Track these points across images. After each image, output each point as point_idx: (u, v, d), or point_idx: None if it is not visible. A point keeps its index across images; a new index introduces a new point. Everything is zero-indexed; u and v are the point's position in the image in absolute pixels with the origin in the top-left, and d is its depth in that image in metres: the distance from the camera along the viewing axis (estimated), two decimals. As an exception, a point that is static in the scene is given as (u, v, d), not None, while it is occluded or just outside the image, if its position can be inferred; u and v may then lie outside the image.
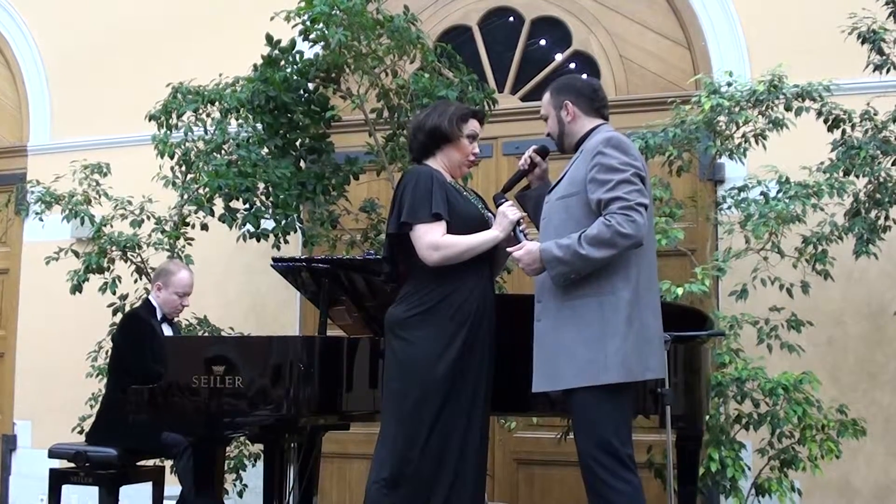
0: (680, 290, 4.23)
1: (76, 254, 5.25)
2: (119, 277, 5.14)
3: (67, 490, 4.44)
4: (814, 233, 4.50)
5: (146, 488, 4.55)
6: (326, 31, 4.71)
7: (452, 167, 3.30)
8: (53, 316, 6.42)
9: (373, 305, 3.78)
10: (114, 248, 5.10)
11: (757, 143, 4.60)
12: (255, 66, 5.01)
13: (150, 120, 5.15)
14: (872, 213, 4.47)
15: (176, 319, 4.85)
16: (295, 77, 4.97)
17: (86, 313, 5.53)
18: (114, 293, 5.14)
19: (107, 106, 6.58)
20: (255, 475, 4.80)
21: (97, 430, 4.46)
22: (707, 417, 4.02)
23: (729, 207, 4.69)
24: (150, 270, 5.16)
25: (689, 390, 3.57)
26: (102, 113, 6.59)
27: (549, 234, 3.06)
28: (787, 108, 4.50)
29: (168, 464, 4.58)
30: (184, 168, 5.19)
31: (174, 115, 5.11)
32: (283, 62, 4.99)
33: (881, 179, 4.40)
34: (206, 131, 5.17)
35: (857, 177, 4.41)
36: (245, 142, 4.98)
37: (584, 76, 5.36)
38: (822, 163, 4.51)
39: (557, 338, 2.98)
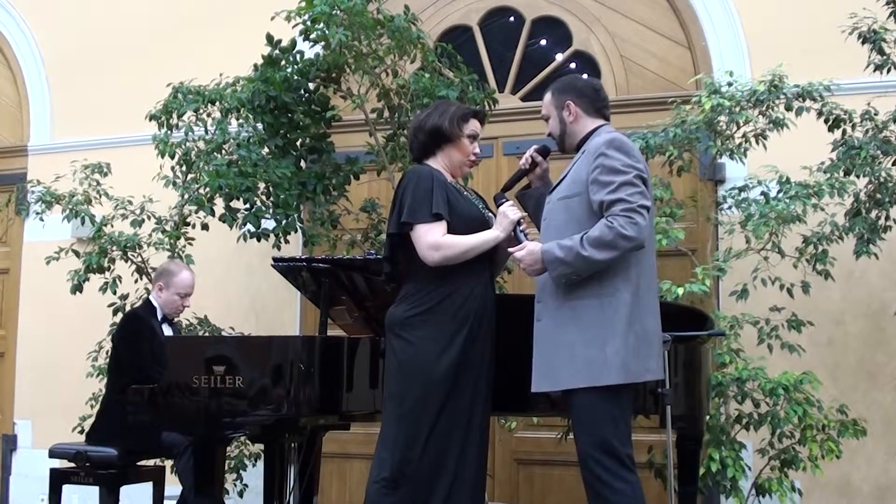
0: (680, 290, 4.23)
1: (77, 254, 5.25)
2: (119, 277, 5.14)
3: (68, 490, 4.44)
4: (814, 233, 4.50)
5: (146, 488, 4.55)
6: (327, 31, 4.72)
7: (453, 167, 3.30)
8: (54, 316, 6.42)
9: (373, 305, 3.78)
10: (114, 247, 5.10)
11: (757, 143, 4.60)
12: (255, 65, 5.01)
13: (150, 120, 5.15)
14: (873, 213, 4.47)
15: (176, 320, 4.85)
16: (295, 77, 4.97)
17: (86, 313, 5.53)
18: (114, 293, 5.14)
19: (107, 106, 6.58)
20: (255, 475, 4.79)
21: (97, 430, 4.46)
22: (707, 417, 4.03)
23: (729, 207, 4.69)
24: (150, 270, 5.17)
25: (689, 390, 3.58)
26: (103, 113, 6.59)
27: (549, 235, 3.06)
28: (788, 108, 4.50)
29: (168, 464, 4.58)
30: (184, 168, 5.18)
31: (175, 115, 5.11)
32: (283, 62, 4.99)
33: (881, 179, 4.40)
34: (206, 131, 5.17)
35: (858, 177, 4.41)
36: (245, 142, 4.98)
37: (585, 76, 5.37)
38: (822, 163, 4.51)
39: (557, 338, 2.98)
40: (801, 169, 4.52)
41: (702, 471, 4.02)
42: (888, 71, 4.42)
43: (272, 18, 4.81)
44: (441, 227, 3.12)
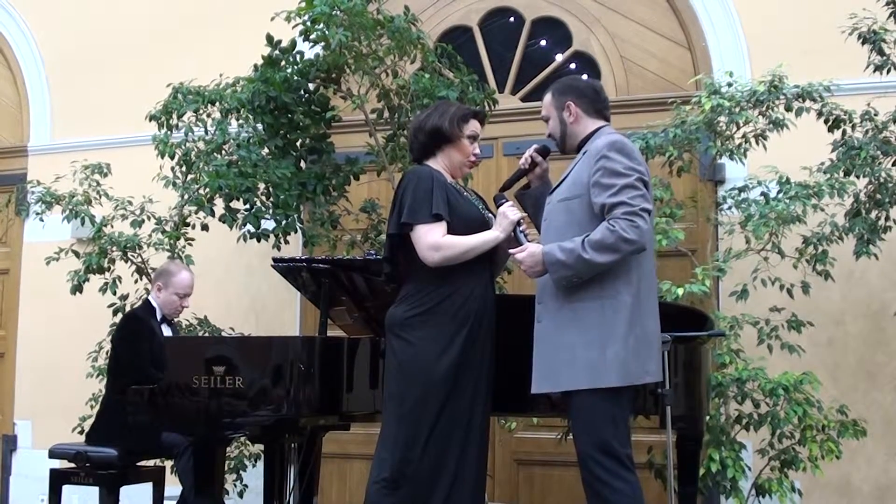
0: (680, 291, 4.23)
1: (76, 254, 5.25)
2: (119, 278, 5.15)
3: (68, 490, 4.44)
4: (814, 233, 4.50)
5: (146, 488, 4.55)
6: (327, 32, 4.72)
7: (453, 168, 3.30)
8: (54, 316, 6.42)
9: (373, 306, 3.78)
10: (114, 248, 5.11)
11: (757, 143, 4.60)
12: (255, 66, 5.01)
13: (150, 120, 5.15)
14: (873, 214, 4.47)
15: (176, 320, 4.85)
16: (295, 77, 4.97)
17: (86, 313, 5.53)
18: (114, 293, 5.14)
19: (107, 106, 6.58)
20: (255, 475, 4.80)
21: (96, 430, 4.46)
22: (707, 418, 4.03)
23: (729, 208, 4.69)
24: (150, 271, 5.17)
25: (689, 391, 3.57)
26: (103, 113, 6.59)
27: (550, 236, 3.07)
28: (788, 109, 4.50)
29: (168, 464, 4.58)
30: (184, 168, 5.18)
31: (174, 116, 5.11)
32: (283, 62, 4.99)
33: (881, 180, 4.40)
34: (206, 131, 5.17)
35: (858, 177, 4.41)
36: (245, 142, 4.98)
37: (585, 77, 5.38)
38: (822, 163, 4.51)
39: (558, 339, 2.99)
40: (801, 169, 4.52)
41: (702, 471, 4.02)
42: (888, 71, 4.42)
43: (272, 19, 4.81)
44: (441, 227, 3.12)
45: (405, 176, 3.25)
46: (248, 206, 4.89)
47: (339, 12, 4.66)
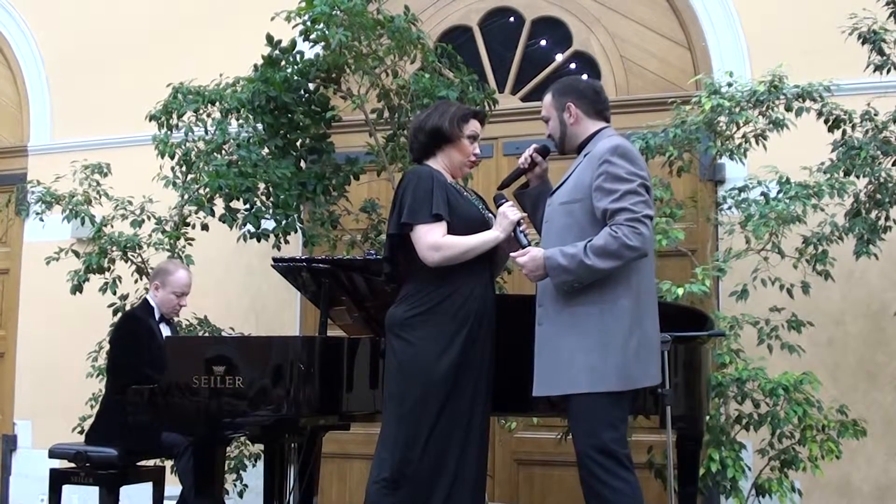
0: (680, 291, 4.24)
1: (76, 254, 5.25)
2: (119, 278, 5.15)
3: (68, 490, 4.43)
4: (814, 233, 4.50)
5: (146, 488, 4.55)
6: (327, 32, 4.72)
7: (453, 168, 3.30)
8: (54, 316, 6.42)
9: (373, 306, 3.78)
10: (114, 248, 5.10)
11: (757, 143, 4.60)
12: (255, 66, 5.01)
13: (150, 120, 5.15)
14: (873, 214, 4.47)
15: (177, 320, 4.85)
16: (295, 77, 4.97)
17: (86, 313, 5.53)
18: (114, 293, 5.14)
19: (107, 106, 6.58)
20: (255, 475, 4.80)
21: (96, 430, 4.46)
22: (707, 418, 4.03)
23: (729, 208, 4.69)
24: (150, 271, 5.16)
25: (689, 391, 3.57)
26: (102, 113, 6.59)
27: (550, 238, 3.07)
28: (788, 109, 4.50)
29: (168, 464, 4.58)
30: (184, 168, 5.18)
31: (174, 116, 5.11)
32: (283, 62, 4.99)
33: (881, 180, 4.40)
34: (206, 131, 5.17)
35: (858, 177, 4.41)
36: (245, 142, 4.98)
37: (585, 77, 5.38)
38: (822, 163, 4.51)
39: (558, 343, 2.99)
40: (800, 169, 4.52)
41: (702, 471, 4.02)
42: (888, 71, 4.42)
43: (272, 19, 4.81)
44: (441, 227, 3.12)
45: (405, 176, 3.25)
46: (248, 206, 4.89)
47: (339, 12, 4.66)
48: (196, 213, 5.13)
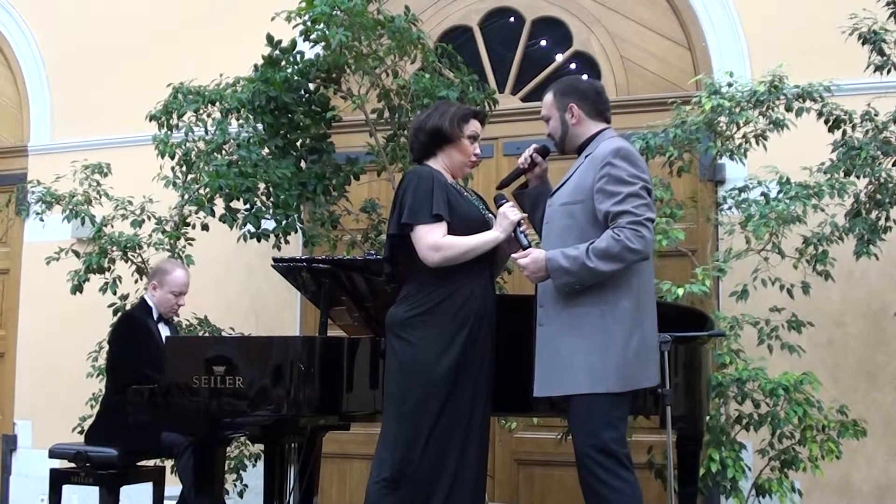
0: (680, 291, 4.24)
1: (77, 254, 5.25)
2: (119, 278, 5.14)
3: (68, 490, 4.43)
4: (814, 233, 4.50)
5: (147, 488, 4.55)
6: (327, 32, 4.72)
7: (454, 168, 3.30)
8: (54, 316, 6.42)
9: (373, 306, 3.78)
10: (114, 248, 5.10)
11: (757, 143, 4.60)
12: (255, 66, 5.01)
13: (150, 120, 5.15)
14: (873, 214, 4.47)
15: (177, 320, 4.84)
16: (296, 77, 4.97)
17: (86, 313, 5.52)
18: (114, 293, 5.14)
19: (107, 106, 6.58)
20: (255, 475, 4.79)
21: (95, 430, 4.45)
22: (707, 418, 4.03)
23: (729, 208, 4.69)
24: (150, 271, 5.16)
25: (689, 391, 3.58)
26: (103, 113, 6.59)
27: (551, 239, 3.08)
28: (788, 109, 4.50)
29: (168, 464, 4.58)
30: (184, 168, 5.18)
31: (175, 116, 5.11)
32: (283, 62, 4.99)
33: (882, 180, 4.40)
34: (206, 131, 5.17)
35: (858, 177, 4.41)
36: (246, 142, 4.98)
37: (585, 76, 5.38)
38: (822, 163, 4.51)
39: (559, 344, 3.00)
40: (801, 169, 4.52)
41: (702, 471, 4.02)
42: (888, 72, 4.42)
43: (272, 19, 4.81)
44: (441, 228, 3.12)
45: (406, 176, 3.25)
46: (248, 206, 4.89)
47: (339, 12, 4.66)
48: (196, 213, 5.13)
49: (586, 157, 3.09)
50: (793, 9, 5.26)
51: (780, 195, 4.45)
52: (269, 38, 4.97)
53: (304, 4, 4.75)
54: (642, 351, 2.99)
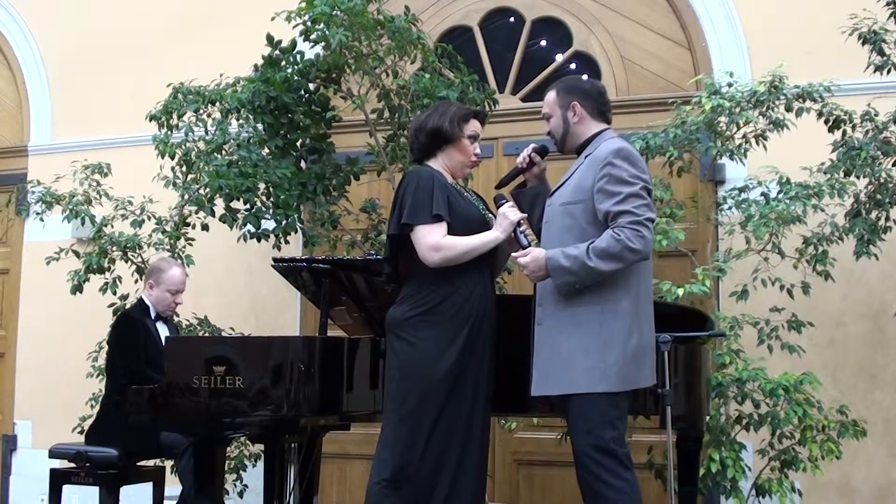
0: (680, 291, 4.23)
1: (77, 254, 5.25)
2: (119, 278, 5.14)
3: (68, 490, 4.43)
4: (814, 233, 4.50)
5: (147, 488, 4.55)
6: (327, 32, 4.72)
7: (454, 168, 3.30)
8: (54, 316, 6.42)
9: (373, 306, 3.78)
10: (114, 248, 5.10)
11: (757, 143, 4.60)
12: (255, 66, 5.01)
13: (150, 120, 5.15)
14: (873, 214, 4.47)
15: (177, 320, 4.84)
16: (296, 77, 4.97)
17: (86, 313, 5.53)
18: (114, 293, 5.14)
19: (107, 106, 6.58)
20: (255, 475, 4.79)
21: (96, 430, 4.45)
22: (707, 418, 4.03)
23: (729, 208, 4.69)
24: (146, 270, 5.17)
25: (689, 391, 3.58)
26: (102, 113, 6.59)
27: (550, 238, 3.08)
28: (788, 109, 4.50)
29: (168, 464, 4.58)
30: (184, 168, 5.18)
31: (175, 116, 5.11)
32: (283, 62, 4.98)
33: (882, 180, 4.40)
34: (206, 132, 5.17)
35: (858, 177, 4.41)
36: (246, 142, 4.98)
37: (585, 77, 5.37)
38: (822, 163, 4.52)
39: (557, 343, 3.00)
40: (801, 170, 4.52)
41: (702, 471, 4.03)
42: (888, 72, 4.43)
43: (272, 19, 4.81)
44: (441, 228, 3.12)
45: (406, 176, 3.26)
46: (248, 206, 4.89)
47: (339, 12, 4.66)
48: (196, 213, 5.13)
49: (586, 157, 3.10)
50: (793, 9, 5.26)
51: (780, 195, 4.46)
52: (269, 38, 4.97)
53: (304, 4, 4.75)
54: (640, 351, 2.99)
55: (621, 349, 2.94)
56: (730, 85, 4.59)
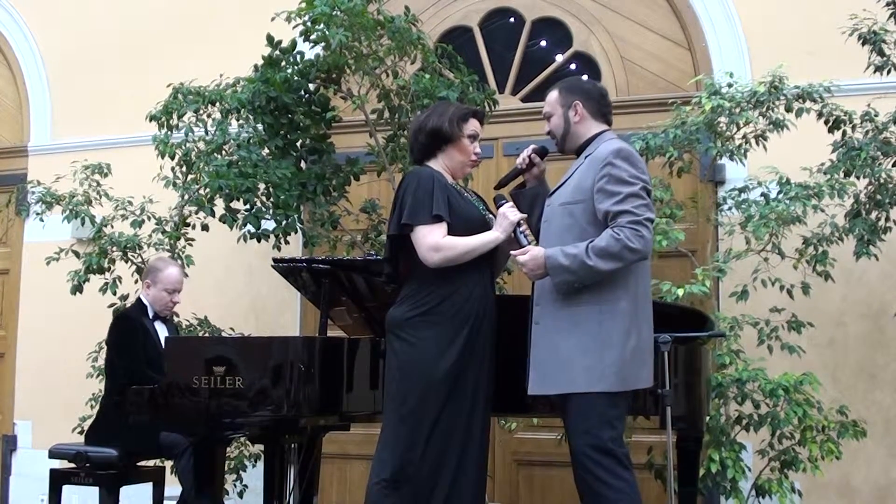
0: (680, 291, 4.23)
1: (77, 254, 5.25)
2: (119, 278, 5.15)
3: (68, 490, 4.43)
4: (814, 234, 4.50)
5: (146, 488, 4.55)
6: (327, 32, 4.72)
7: (454, 168, 3.30)
8: (54, 316, 6.42)
9: (373, 306, 3.78)
10: (114, 248, 5.11)
11: (757, 144, 4.60)
12: (255, 66, 5.01)
13: (150, 120, 5.15)
14: (873, 215, 4.47)
15: (177, 320, 4.84)
16: (296, 78, 4.97)
17: (86, 314, 5.53)
18: (114, 294, 5.14)
19: (107, 106, 6.58)
20: (255, 476, 4.80)
21: (95, 430, 4.45)
22: (707, 418, 4.03)
23: (729, 208, 4.69)
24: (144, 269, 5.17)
25: (689, 391, 3.57)
26: (103, 113, 6.60)
27: (549, 238, 3.08)
28: (788, 109, 4.50)
29: (168, 464, 4.57)
30: (184, 168, 5.19)
31: (175, 116, 5.11)
32: (283, 63, 4.99)
33: (881, 180, 4.40)
34: (206, 132, 5.17)
35: (858, 178, 4.42)
36: (246, 142, 4.98)
37: (585, 77, 5.38)
38: (822, 164, 4.52)
39: (555, 342, 3.00)
40: (801, 170, 4.52)
41: (702, 472, 4.02)
42: (888, 72, 4.43)
43: (272, 19, 4.81)
44: (441, 228, 3.12)
45: (406, 177, 3.26)
46: (248, 206, 4.89)
47: (339, 13, 4.66)
48: (196, 213, 5.13)
49: (586, 157, 3.11)
50: (793, 9, 5.26)
51: (780, 196, 4.46)
52: (269, 39, 4.97)
53: (304, 5, 4.75)
54: (638, 352, 3.00)
55: (620, 349, 2.95)
56: (730, 85, 4.59)
